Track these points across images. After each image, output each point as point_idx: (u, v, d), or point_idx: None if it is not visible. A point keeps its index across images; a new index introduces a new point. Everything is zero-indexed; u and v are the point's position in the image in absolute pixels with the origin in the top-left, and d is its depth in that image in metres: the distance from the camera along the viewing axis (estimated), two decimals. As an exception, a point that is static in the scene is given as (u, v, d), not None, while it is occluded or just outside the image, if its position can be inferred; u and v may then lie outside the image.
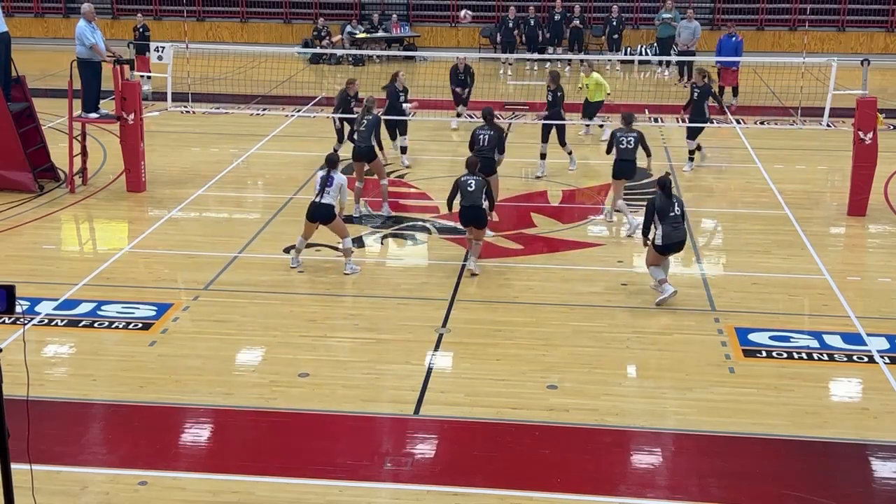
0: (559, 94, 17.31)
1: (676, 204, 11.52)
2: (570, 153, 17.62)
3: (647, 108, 22.20)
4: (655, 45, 27.93)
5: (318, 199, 12.37)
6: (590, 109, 19.34)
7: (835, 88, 18.03)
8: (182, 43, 21.47)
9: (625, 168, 14.36)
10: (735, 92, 23.12)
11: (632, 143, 14.33)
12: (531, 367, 10.16)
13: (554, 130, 17.25)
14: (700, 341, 10.84)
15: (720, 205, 16.07)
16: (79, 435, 8.98)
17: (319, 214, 12.41)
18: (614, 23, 27.81)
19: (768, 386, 9.83)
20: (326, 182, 12.32)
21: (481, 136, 13.99)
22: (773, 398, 9.60)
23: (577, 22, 28.08)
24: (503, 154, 14.21)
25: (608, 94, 19.26)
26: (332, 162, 12.50)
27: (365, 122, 14.81)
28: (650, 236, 11.54)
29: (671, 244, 11.52)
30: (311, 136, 19.94)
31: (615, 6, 28.21)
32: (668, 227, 11.42)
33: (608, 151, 14.69)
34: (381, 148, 15.81)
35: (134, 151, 16.02)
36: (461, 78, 20.29)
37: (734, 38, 23.17)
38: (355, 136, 15.03)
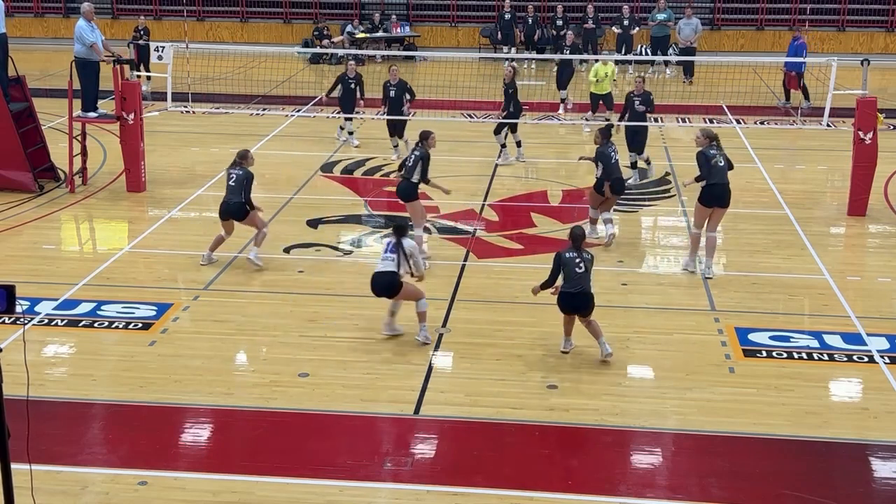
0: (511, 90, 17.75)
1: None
2: (518, 143, 17.97)
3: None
4: (647, 46, 27.92)
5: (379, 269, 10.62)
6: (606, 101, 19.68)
7: (835, 88, 18.03)
8: (182, 43, 21.47)
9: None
10: (805, 94, 22.49)
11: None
12: (531, 367, 10.16)
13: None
14: (700, 341, 10.84)
15: (720, 205, 16.04)
16: (79, 435, 8.99)
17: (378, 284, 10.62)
18: (626, 23, 27.66)
19: (768, 386, 9.83)
20: (389, 248, 10.61)
21: (407, 158, 13.12)
22: (773, 398, 9.60)
23: (590, 22, 28.03)
24: (427, 182, 13.12)
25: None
26: (399, 229, 10.69)
27: (234, 175, 12.67)
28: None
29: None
30: (311, 136, 19.94)
31: (626, 6, 28.14)
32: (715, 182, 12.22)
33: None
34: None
35: (134, 151, 16.02)
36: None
37: (797, 41, 22.74)
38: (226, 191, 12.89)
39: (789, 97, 22.89)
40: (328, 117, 19.98)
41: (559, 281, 10.19)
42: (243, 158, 12.87)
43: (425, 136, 13.06)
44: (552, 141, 20.47)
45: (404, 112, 17.95)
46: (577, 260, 10.08)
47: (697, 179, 12.55)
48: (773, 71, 24.63)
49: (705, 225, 12.61)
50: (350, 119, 19.18)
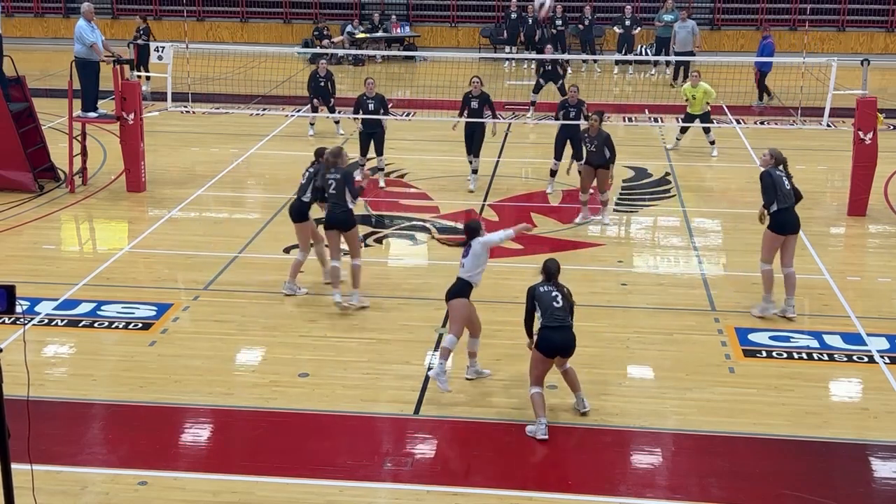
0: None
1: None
2: (475, 170, 16.41)
3: (647, 108, 22.20)
4: (648, 46, 27.85)
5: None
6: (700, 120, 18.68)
7: (835, 88, 18.02)
8: (182, 43, 21.47)
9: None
10: (759, 94, 22.93)
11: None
12: (531, 367, 10.14)
13: (475, 138, 16.25)
14: (700, 341, 10.84)
15: (720, 205, 16.07)
16: (79, 435, 8.99)
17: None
18: (627, 23, 27.53)
19: (768, 386, 9.83)
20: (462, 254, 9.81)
21: (330, 182, 11.55)
22: (773, 398, 9.60)
23: (586, 22, 27.93)
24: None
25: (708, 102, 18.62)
26: (472, 230, 9.87)
27: (333, 181, 11.42)
28: None
29: None
30: (312, 136, 19.94)
31: (628, 6, 28.09)
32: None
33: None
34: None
35: (134, 151, 16.02)
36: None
37: (766, 41, 22.91)
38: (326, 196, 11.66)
39: (770, 94, 23.01)
40: (328, 117, 19.99)
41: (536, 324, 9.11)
42: (337, 157, 11.46)
43: (320, 154, 11.99)
44: (552, 141, 20.46)
45: (383, 127, 16.53)
46: (554, 293, 9.01)
47: (766, 206, 11.19)
48: (774, 71, 24.55)
49: (776, 258, 11.29)
50: (316, 113, 19.69)
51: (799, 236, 13.99)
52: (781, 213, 11.13)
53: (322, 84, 19.32)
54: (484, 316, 11.38)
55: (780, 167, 11.31)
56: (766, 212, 11.22)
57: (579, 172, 14.99)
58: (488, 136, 16.61)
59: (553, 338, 8.92)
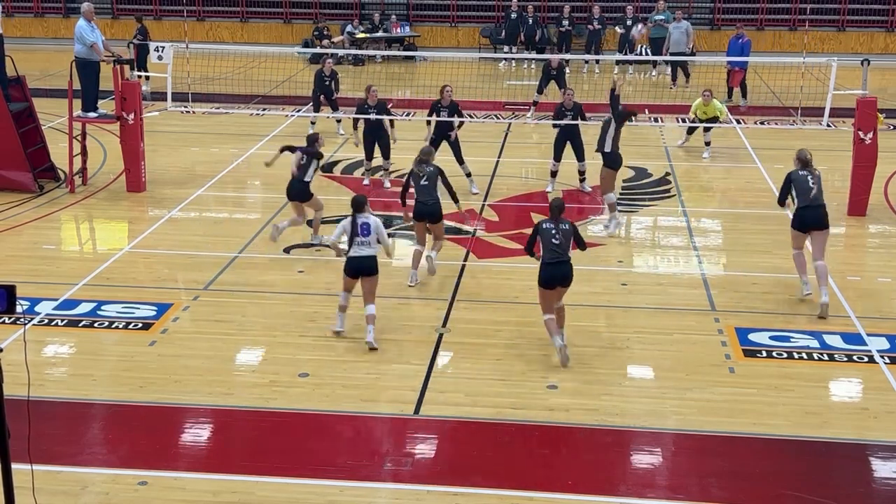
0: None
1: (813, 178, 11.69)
2: (468, 174, 16.28)
3: (646, 108, 22.19)
4: (648, 46, 27.81)
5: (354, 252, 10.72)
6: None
7: (835, 88, 18.02)
8: (182, 43, 21.47)
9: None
10: (743, 92, 23.03)
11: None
12: (531, 367, 10.16)
13: (453, 146, 16.22)
14: (700, 341, 10.84)
15: (720, 205, 16.07)
16: (79, 435, 8.99)
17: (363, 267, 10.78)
18: (629, 23, 27.45)
19: (768, 386, 9.84)
20: (359, 230, 10.69)
21: (301, 157, 13.30)
22: (773, 398, 9.60)
23: (595, 23, 27.85)
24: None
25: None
26: (360, 203, 10.75)
27: (425, 174, 12.38)
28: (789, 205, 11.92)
29: None
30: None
31: (629, 6, 28.06)
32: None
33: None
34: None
35: (134, 151, 16.02)
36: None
37: (740, 40, 23.03)
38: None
39: (732, 95, 23.00)
40: (328, 117, 19.99)
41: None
42: (429, 154, 12.67)
43: (313, 140, 13.68)
44: (552, 141, 20.46)
45: (389, 133, 16.38)
46: (554, 230, 10.12)
47: (779, 203, 12.16)
48: (774, 71, 24.64)
49: (806, 246, 11.88)
50: (318, 112, 19.65)
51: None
52: (800, 210, 11.70)
53: (327, 83, 19.29)
54: (484, 316, 11.45)
55: (804, 168, 11.82)
56: (780, 206, 12.23)
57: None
58: (485, 137, 16.62)
59: (549, 273, 10.16)
